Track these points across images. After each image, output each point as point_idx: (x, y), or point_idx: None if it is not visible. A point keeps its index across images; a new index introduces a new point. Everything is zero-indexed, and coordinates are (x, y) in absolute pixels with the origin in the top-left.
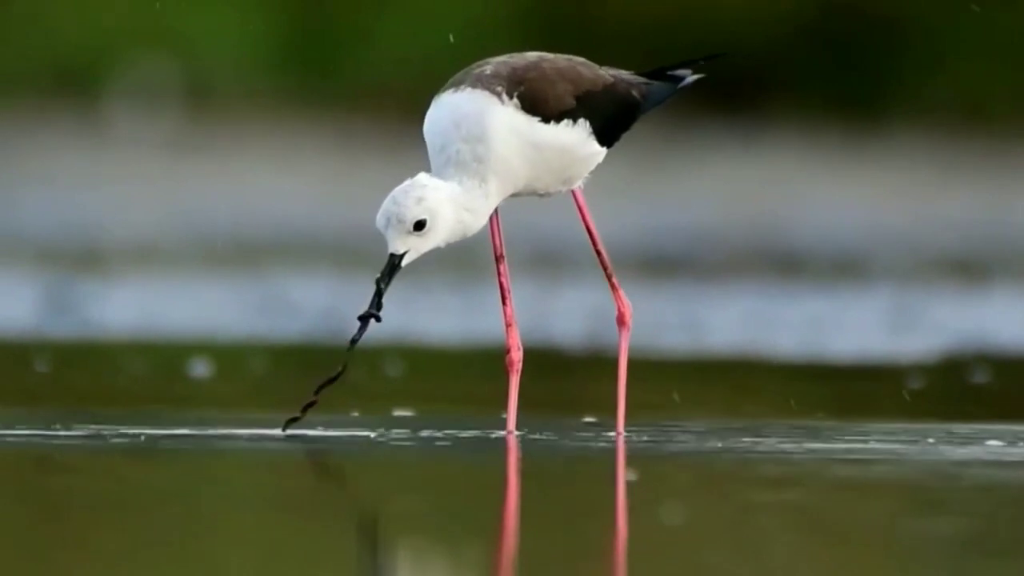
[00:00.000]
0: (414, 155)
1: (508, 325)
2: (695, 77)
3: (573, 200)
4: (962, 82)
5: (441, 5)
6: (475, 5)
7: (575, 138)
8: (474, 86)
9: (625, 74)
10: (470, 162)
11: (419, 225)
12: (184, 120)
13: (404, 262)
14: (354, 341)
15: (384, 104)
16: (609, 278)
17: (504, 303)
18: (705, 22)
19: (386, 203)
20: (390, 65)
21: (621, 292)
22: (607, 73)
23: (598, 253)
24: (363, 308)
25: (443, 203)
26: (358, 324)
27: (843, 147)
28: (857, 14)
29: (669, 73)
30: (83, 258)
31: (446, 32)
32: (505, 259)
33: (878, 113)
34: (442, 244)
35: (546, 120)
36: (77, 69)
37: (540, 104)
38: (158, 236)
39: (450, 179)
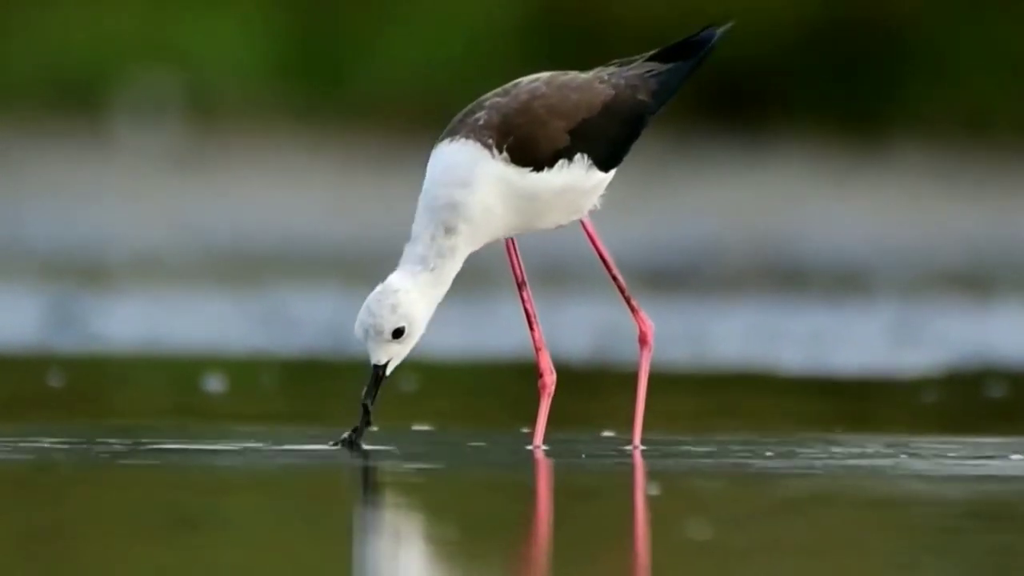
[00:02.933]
0: (417, 168)
1: (538, 349)
2: (723, 29)
3: (583, 229)
4: (966, 96)
5: (445, 17)
6: (479, 17)
7: (573, 176)
8: (467, 136)
9: (635, 69)
10: (441, 209)
11: (397, 333)
12: (188, 134)
13: (388, 371)
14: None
15: (387, 117)
16: (628, 300)
17: (531, 328)
18: None
19: (361, 314)
20: (393, 78)
21: (642, 313)
22: (609, 84)
23: (614, 278)
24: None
25: (415, 303)
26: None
27: (847, 161)
28: (861, 28)
29: (693, 40)
30: (87, 272)
31: (450, 45)
32: (527, 285)
33: (882, 127)
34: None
35: (539, 167)
36: (82, 83)
37: (531, 152)
38: (162, 250)
39: (419, 230)
